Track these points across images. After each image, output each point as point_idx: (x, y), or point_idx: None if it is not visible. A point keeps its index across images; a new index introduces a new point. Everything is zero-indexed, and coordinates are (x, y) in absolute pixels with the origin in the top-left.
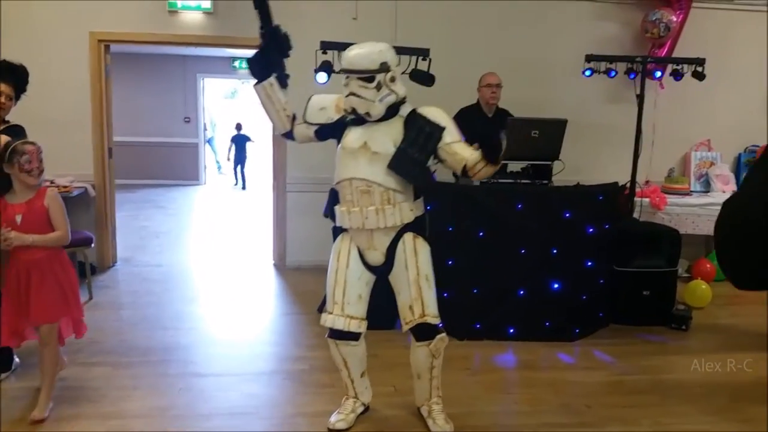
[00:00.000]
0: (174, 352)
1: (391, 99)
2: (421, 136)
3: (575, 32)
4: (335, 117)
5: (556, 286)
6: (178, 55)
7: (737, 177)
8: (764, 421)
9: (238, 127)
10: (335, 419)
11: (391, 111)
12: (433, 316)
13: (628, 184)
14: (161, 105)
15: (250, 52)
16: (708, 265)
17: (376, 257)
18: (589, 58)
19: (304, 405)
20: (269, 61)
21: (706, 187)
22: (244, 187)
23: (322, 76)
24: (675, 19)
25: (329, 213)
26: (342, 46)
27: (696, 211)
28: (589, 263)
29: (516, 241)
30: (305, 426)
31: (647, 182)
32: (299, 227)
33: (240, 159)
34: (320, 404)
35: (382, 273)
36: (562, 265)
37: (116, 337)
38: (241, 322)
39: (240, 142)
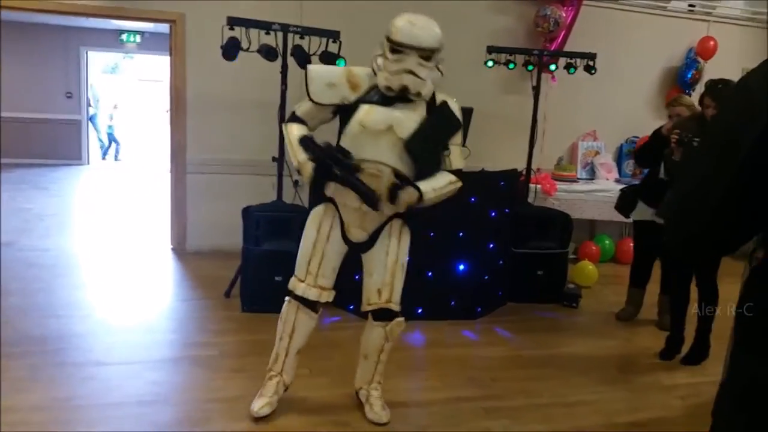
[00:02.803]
0: (71, 341)
1: (436, 77)
2: (443, 125)
3: (475, 23)
4: (352, 96)
5: (461, 267)
6: (58, 26)
7: (619, 165)
8: (648, 389)
9: (114, 106)
10: (259, 405)
11: None
12: (396, 303)
13: (524, 171)
14: (40, 79)
15: (141, 25)
16: (593, 247)
17: (360, 235)
18: (491, 50)
19: (217, 390)
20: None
21: (591, 175)
22: (116, 158)
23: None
24: (564, 15)
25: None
26: (249, 23)
27: (582, 197)
28: (491, 245)
29: (425, 225)
30: (219, 412)
31: (538, 169)
32: (200, 210)
33: (111, 135)
34: (233, 389)
35: (356, 249)
36: (468, 248)
37: (6, 326)
38: (138, 308)
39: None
